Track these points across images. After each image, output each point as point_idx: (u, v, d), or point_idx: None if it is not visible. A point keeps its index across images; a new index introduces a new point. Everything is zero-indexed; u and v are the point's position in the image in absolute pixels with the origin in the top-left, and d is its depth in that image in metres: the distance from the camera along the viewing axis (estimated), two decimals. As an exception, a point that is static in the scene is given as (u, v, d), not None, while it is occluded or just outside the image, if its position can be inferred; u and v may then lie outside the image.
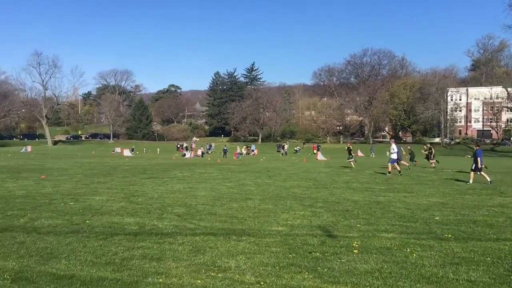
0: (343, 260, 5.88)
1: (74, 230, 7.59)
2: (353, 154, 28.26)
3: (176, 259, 5.85)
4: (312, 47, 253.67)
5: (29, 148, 61.97)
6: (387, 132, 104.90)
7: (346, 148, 29.39)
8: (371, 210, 10.17)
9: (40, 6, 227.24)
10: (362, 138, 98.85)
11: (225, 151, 53.67)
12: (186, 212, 9.62)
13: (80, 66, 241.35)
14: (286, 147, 64.29)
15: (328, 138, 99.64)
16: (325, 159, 43.13)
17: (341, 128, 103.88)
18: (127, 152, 53.35)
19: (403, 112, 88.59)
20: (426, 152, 29.64)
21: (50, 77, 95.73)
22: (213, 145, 72.27)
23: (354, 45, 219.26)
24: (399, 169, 21.61)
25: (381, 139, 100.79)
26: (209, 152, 62.35)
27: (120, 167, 25.64)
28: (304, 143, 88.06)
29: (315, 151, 62.46)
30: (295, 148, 70.28)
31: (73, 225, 8.04)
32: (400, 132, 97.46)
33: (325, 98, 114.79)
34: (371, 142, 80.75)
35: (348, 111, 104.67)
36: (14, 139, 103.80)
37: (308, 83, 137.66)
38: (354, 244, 6.77)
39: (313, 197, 12.56)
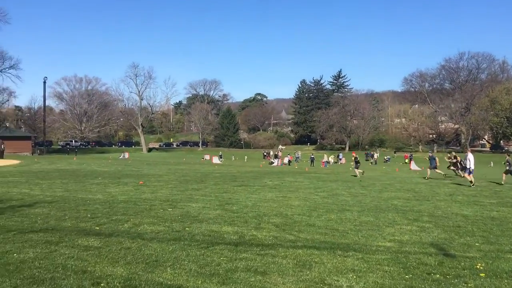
0: (470, 285, 5.18)
1: (176, 238, 7.59)
2: (359, 164, 28.35)
3: (282, 274, 5.54)
4: (401, 52, 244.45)
5: (126, 155, 65.99)
6: (486, 141, 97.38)
7: (353, 157, 29.71)
8: (486, 227, 9.15)
9: (138, 21, 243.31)
10: (459, 147, 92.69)
11: (312, 160, 53.04)
12: (283, 223, 9.32)
13: (172, 77, 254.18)
14: (376, 155, 62.02)
15: (420, 146, 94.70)
16: (419, 169, 40.84)
17: (434, 136, 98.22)
18: (215, 160, 54.74)
19: (505, 119, 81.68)
20: (449, 161, 26.57)
21: (146, 87, 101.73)
22: (299, 153, 71.83)
23: (448, 49, 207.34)
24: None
25: (479, 148, 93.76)
26: (298, 161, 62.00)
27: (211, 174, 26.15)
28: (394, 152, 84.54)
29: (407, 161, 59.61)
30: (385, 157, 67.64)
31: (174, 232, 8.07)
32: (501, 141, 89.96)
33: (416, 105, 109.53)
34: (468, 150, 75.20)
35: (442, 118, 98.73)
36: (113, 146, 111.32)
37: (397, 89, 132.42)
38: (478, 266, 6.00)
39: (416, 210, 11.67)
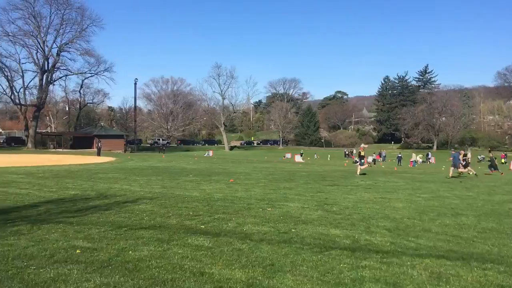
0: None
1: (285, 240, 7.22)
2: (364, 160, 27.10)
3: (417, 287, 4.92)
4: (493, 45, 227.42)
5: (211, 153, 67.71)
6: None
7: (358, 153, 28.27)
8: None
9: (220, 21, 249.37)
10: None
11: (399, 159, 50.80)
12: (395, 227, 8.61)
13: (253, 76, 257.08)
14: (469, 155, 57.92)
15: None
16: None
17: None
18: (298, 158, 54.29)
19: None
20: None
21: (228, 87, 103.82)
22: (384, 152, 69.23)
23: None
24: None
25: None
26: (384, 160, 59.69)
27: (297, 173, 25.72)
28: (489, 151, 78.59)
29: (503, 160, 55.11)
30: (479, 157, 63.07)
31: (281, 234, 7.71)
32: None
33: (511, 101, 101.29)
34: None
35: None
36: (196, 144, 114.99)
37: (489, 84, 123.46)
38: None
39: (542, 216, 10.36)
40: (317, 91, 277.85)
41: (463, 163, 25.98)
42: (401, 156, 51.77)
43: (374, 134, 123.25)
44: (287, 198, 12.96)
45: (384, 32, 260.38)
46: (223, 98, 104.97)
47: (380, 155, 61.44)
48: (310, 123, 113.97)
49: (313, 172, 27.65)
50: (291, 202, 12.14)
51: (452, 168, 24.73)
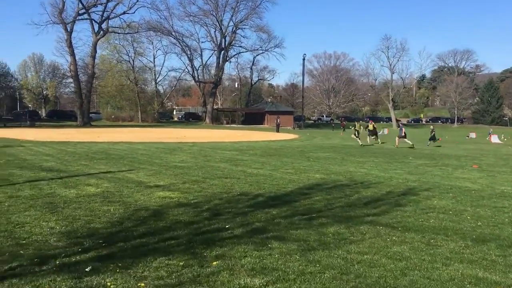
0: None
1: None
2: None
3: None
4: None
5: (386, 131, 63.62)
6: None
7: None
8: None
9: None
10: None
11: None
12: None
13: (427, 47, 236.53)
14: None
15: None
16: None
17: None
18: (495, 139, 47.37)
19: None
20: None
21: (398, 60, 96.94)
22: None
23: None
24: None
25: None
26: None
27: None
28: None
29: None
30: None
31: None
32: None
33: None
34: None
35: None
36: (360, 121, 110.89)
37: None
38: None
39: None
40: (495, 63, 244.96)
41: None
42: None
43: None
44: None
45: None
46: (392, 73, 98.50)
47: None
48: (492, 99, 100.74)
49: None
50: None
51: None
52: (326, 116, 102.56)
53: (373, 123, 29.66)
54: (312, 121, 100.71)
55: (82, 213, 7.09)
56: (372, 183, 10.97)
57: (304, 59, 74.63)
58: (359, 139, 28.13)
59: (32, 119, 54.66)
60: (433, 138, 29.31)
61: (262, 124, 67.77)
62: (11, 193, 8.68)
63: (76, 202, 7.91)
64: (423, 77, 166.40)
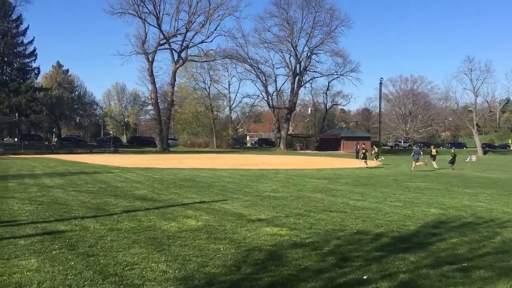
0: None
1: None
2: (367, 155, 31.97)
3: None
4: None
5: (474, 158, 59.17)
6: None
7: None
8: None
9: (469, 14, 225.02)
10: None
11: None
12: None
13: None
14: None
15: None
16: None
17: None
18: None
19: None
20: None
21: (482, 83, 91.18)
22: None
23: None
24: None
25: None
26: None
27: None
28: None
29: None
30: None
31: None
32: None
33: None
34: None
35: None
36: (440, 147, 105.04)
37: None
38: None
39: None
40: None
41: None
42: None
43: None
44: None
45: None
46: (476, 96, 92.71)
47: None
48: None
49: None
50: None
51: None
52: (403, 142, 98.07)
53: (436, 148, 31.54)
54: (389, 147, 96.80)
55: (191, 252, 6.32)
56: (505, 221, 9.37)
57: (381, 83, 72.25)
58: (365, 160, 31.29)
59: (115, 145, 57.06)
60: (452, 162, 30.72)
61: (337, 150, 65.97)
62: (111, 225, 8.18)
63: (180, 238, 7.19)
64: (507, 100, 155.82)
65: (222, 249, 6.55)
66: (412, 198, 13.17)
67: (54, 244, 6.63)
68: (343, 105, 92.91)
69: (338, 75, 73.86)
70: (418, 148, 33.82)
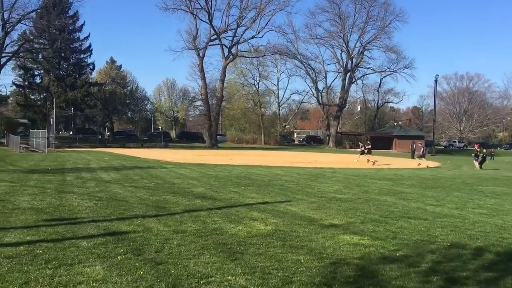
0: None
1: None
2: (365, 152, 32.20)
3: None
4: None
5: None
6: None
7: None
8: None
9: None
10: None
11: None
12: None
13: None
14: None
15: None
16: None
17: None
18: None
19: None
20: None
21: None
22: None
23: None
24: None
25: None
26: None
27: None
28: None
29: None
30: None
31: None
32: None
33: None
34: None
35: None
36: (498, 148, 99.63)
37: None
38: None
39: None
40: None
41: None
42: None
43: None
44: None
45: None
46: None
47: None
48: None
49: None
50: None
51: None
52: (458, 142, 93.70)
53: (481, 148, 31.11)
54: (443, 147, 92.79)
55: (269, 263, 5.57)
56: None
57: (436, 81, 69.12)
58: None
59: (165, 140, 57.66)
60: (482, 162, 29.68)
61: (389, 149, 63.67)
62: (175, 226, 7.59)
63: (252, 245, 6.47)
64: None
65: (302, 260, 5.76)
66: (495, 204, 11.87)
67: (118, 247, 6.08)
68: (395, 103, 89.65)
69: (391, 72, 71.39)
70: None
